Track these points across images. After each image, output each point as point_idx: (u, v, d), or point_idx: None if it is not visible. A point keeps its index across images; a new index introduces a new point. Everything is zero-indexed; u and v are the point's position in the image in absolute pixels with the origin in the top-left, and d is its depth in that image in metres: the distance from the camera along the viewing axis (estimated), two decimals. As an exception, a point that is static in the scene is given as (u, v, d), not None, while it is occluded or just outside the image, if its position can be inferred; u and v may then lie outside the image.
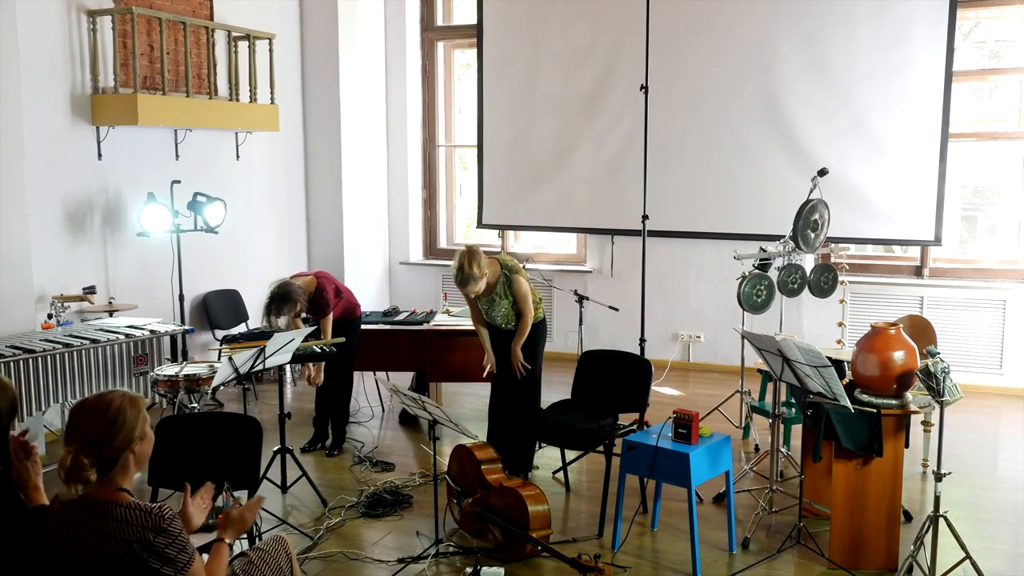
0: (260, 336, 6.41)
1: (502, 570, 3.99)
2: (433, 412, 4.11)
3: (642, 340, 6.00)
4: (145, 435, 2.51)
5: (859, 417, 3.93)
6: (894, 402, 3.97)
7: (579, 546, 4.30)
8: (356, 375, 7.03)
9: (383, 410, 6.68)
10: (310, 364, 5.44)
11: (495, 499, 4.27)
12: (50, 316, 5.70)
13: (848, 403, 3.83)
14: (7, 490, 2.65)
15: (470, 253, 4.90)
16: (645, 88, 5.97)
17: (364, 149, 8.56)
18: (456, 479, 4.53)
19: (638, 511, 4.62)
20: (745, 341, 5.47)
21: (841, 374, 4.17)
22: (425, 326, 6.14)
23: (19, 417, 5.02)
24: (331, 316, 5.52)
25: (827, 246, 6.14)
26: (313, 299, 5.41)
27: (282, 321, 5.28)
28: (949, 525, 3.78)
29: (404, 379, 6.71)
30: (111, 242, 6.38)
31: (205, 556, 2.75)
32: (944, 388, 3.68)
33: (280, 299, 5.14)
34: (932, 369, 3.67)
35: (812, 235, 5.73)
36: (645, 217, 6.05)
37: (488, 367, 5.29)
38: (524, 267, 6.45)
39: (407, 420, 6.40)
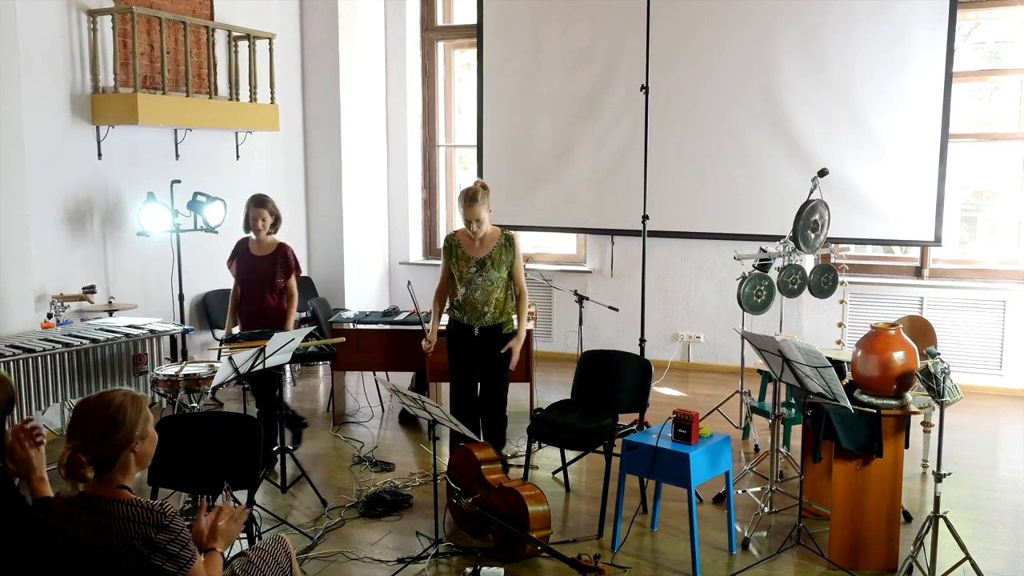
0: (260, 336, 6.42)
1: (502, 570, 3.99)
2: (433, 412, 4.11)
3: (642, 340, 5.99)
4: (147, 435, 2.50)
5: (859, 417, 3.93)
6: (894, 402, 3.97)
7: (579, 546, 4.30)
8: (356, 375, 7.05)
9: (383, 410, 6.68)
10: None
11: (495, 499, 4.27)
12: (50, 315, 5.70)
13: (848, 403, 3.83)
14: (5, 485, 2.65)
15: (483, 184, 4.92)
16: (645, 88, 5.97)
17: (364, 149, 8.56)
18: (456, 479, 4.53)
19: (638, 511, 4.62)
20: (745, 341, 5.47)
21: (841, 375, 4.17)
22: (425, 326, 6.13)
23: (19, 416, 5.04)
24: (295, 281, 5.64)
25: (827, 246, 6.14)
26: (281, 247, 5.60)
27: (262, 218, 5.50)
28: (949, 525, 3.78)
29: (404, 379, 6.71)
30: (111, 242, 6.38)
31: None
32: (944, 389, 3.68)
33: (260, 197, 5.62)
34: (932, 370, 3.67)
35: (812, 235, 5.73)
36: (645, 217, 6.05)
37: (428, 349, 5.07)
38: (525, 268, 6.48)
39: (407, 420, 6.40)
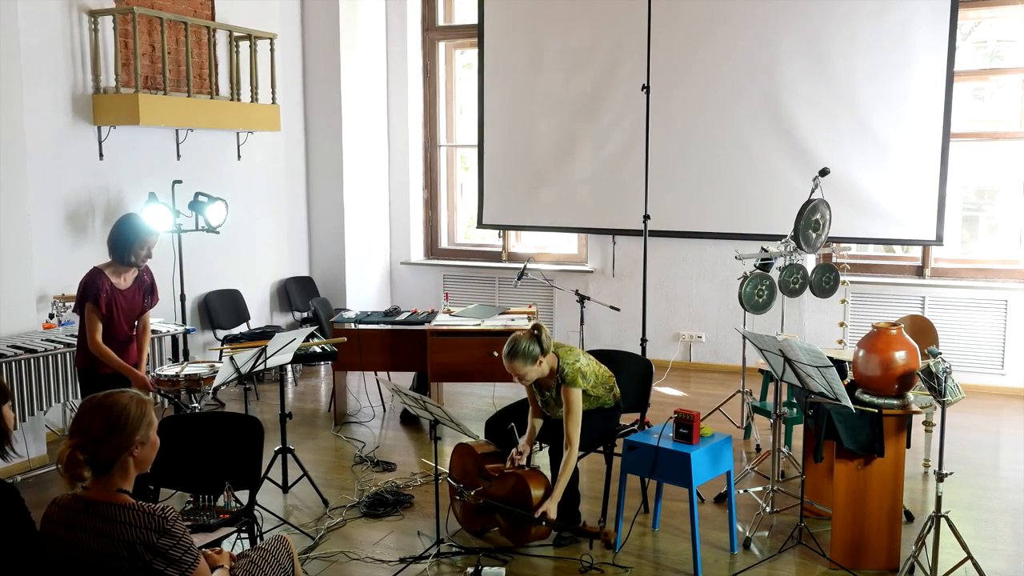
0: (261, 336, 6.43)
1: (503, 570, 4.00)
2: (434, 412, 4.11)
3: (643, 340, 6.00)
4: (147, 440, 2.49)
5: (860, 417, 3.93)
6: (895, 402, 3.97)
7: (580, 547, 4.29)
8: (357, 375, 7.05)
9: (384, 410, 6.68)
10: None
11: (497, 488, 4.28)
12: (51, 316, 5.71)
13: (849, 403, 3.82)
14: (7, 492, 2.65)
15: (536, 328, 4.22)
16: (647, 88, 5.97)
17: (365, 149, 8.56)
18: (458, 478, 4.53)
19: (639, 511, 4.62)
20: (746, 341, 5.47)
21: (842, 374, 4.17)
22: (426, 326, 6.14)
23: (21, 417, 5.05)
24: (86, 308, 4.45)
25: (828, 246, 6.14)
26: (143, 269, 4.66)
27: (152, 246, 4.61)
28: (950, 525, 3.78)
29: (405, 379, 6.71)
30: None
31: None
32: (945, 388, 3.68)
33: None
34: (933, 369, 3.67)
35: (813, 235, 5.73)
36: (646, 217, 6.05)
37: (518, 460, 4.39)
38: (526, 267, 6.48)
39: (408, 420, 6.40)
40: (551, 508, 4.10)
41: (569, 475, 4.19)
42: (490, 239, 8.88)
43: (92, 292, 4.41)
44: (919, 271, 7.35)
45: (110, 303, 4.45)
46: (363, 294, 8.58)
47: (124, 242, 4.46)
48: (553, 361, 4.27)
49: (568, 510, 4.40)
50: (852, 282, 6.87)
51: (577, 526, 4.05)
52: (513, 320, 6.20)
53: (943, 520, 3.76)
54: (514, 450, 4.42)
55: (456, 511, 4.56)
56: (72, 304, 5.82)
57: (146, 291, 4.65)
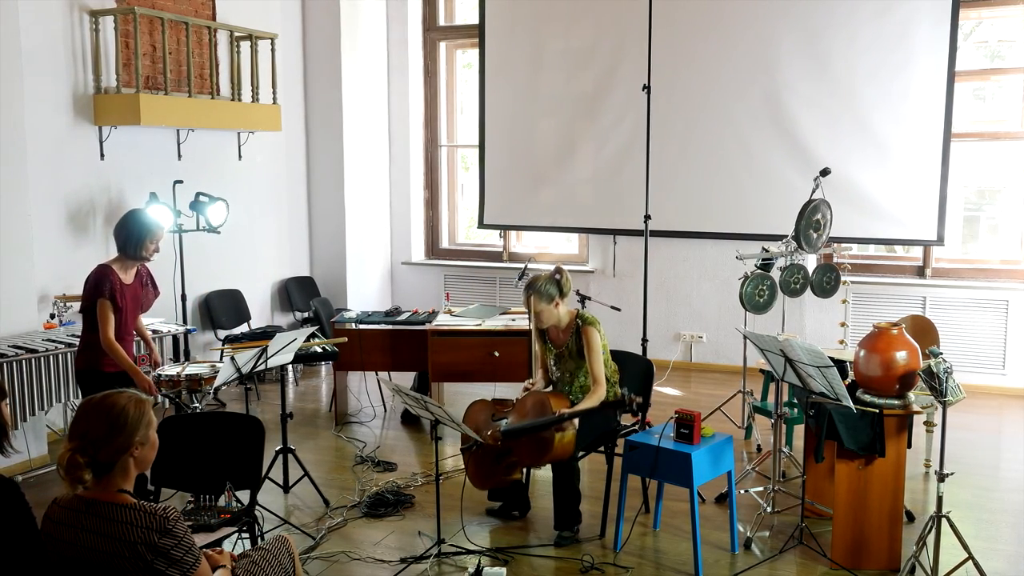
0: (262, 336, 6.43)
1: (503, 570, 4.00)
2: (435, 412, 4.11)
3: (644, 340, 5.99)
4: (147, 440, 2.49)
5: (861, 417, 3.93)
6: (896, 402, 3.97)
7: (581, 547, 4.30)
8: (358, 375, 7.05)
9: (385, 410, 6.68)
10: None
11: (515, 416, 4.34)
12: (52, 316, 5.71)
13: (850, 403, 3.82)
14: (8, 487, 2.65)
15: (558, 271, 4.41)
16: (647, 88, 5.97)
17: (366, 149, 8.56)
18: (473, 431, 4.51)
19: (640, 511, 4.62)
20: (747, 341, 5.47)
21: (843, 374, 4.17)
22: (427, 326, 6.14)
23: (21, 417, 5.05)
24: (100, 304, 4.39)
25: (829, 246, 6.14)
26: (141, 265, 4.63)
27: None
28: (951, 525, 3.78)
29: (406, 379, 6.71)
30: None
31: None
32: (946, 388, 3.68)
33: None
34: (934, 369, 3.67)
35: (814, 235, 5.72)
36: (647, 217, 6.05)
37: (533, 386, 4.57)
38: (527, 267, 6.48)
39: (409, 420, 6.41)
40: (569, 410, 4.21)
41: (592, 405, 4.31)
42: (491, 239, 8.88)
43: (106, 288, 4.39)
44: (920, 271, 7.35)
45: (127, 298, 4.46)
46: (364, 294, 8.58)
47: (136, 238, 4.47)
48: (572, 313, 4.45)
49: (569, 510, 4.41)
50: (853, 282, 6.86)
51: (604, 401, 4.15)
52: (514, 320, 6.20)
53: (944, 520, 3.76)
54: (527, 381, 4.61)
55: (472, 471, 4.53)
56: (73, 304, 5.84)
57: (147, 285, 4.66)
